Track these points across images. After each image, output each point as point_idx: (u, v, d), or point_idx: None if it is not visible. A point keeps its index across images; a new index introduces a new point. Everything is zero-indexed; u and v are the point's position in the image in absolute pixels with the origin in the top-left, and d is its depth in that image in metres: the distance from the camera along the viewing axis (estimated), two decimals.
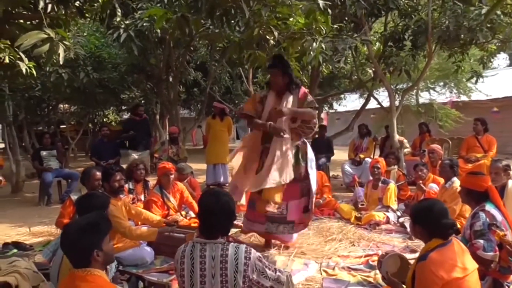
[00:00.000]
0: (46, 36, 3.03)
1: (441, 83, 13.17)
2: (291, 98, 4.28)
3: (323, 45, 4.41)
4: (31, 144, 12.45)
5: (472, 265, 2.47)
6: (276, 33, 4.37)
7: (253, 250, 2.34)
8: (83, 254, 2.09)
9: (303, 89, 4.37)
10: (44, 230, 5.65)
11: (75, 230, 2.10)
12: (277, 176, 4.10)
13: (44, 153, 7.88)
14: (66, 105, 14.79)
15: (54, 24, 3.70)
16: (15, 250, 4.56)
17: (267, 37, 4.49)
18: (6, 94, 8.21)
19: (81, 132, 14.18)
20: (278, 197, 4.23)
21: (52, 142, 8.49)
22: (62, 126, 16.98)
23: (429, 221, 2.52)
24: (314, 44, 4.26)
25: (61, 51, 3.08)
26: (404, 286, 2.70)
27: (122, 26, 6.81)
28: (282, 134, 4.14)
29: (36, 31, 3.05)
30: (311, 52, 4.33)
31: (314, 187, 4.42)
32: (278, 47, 4.95)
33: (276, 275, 2.37)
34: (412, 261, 2.84)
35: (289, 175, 4.14)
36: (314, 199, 4.53)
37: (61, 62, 3.14)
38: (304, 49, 4.39)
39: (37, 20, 3.59)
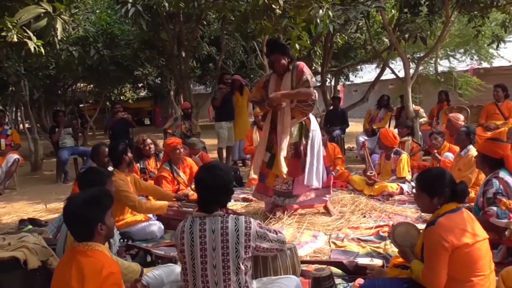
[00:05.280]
0: (43, 10, 3.01)
1: (461, 50, 12.73)
2: (289, 79, 4.34)
3: (330, 13, 4.24)
4: (50, 125, 12.62)
5: (482, 233, 2.38)
6: (281, 2, 4.25)
7: (252, 220, 2.35)
8: (87, 226, 2.10)
9: (301, 66, 4.33)
10: (60, 207, 5.74)
11: (78, 203, 2.11)
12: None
13: None
14: (83, 84, 14.90)
15: None
16: (30, 226, 4.65)
17: (273, 6, 4.37)
18: (21, 74, 8.29)
19: (97, 110, 14.30)
20: (285, 172, 4.41)
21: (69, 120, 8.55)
22: (81, 105, 17.22)
23: (446, 188, 2.41)
24: (321, 11, 4.11)
25: (59, 25, 3.06)
26: None
27: (130, 0, 6.77)
28: (280, 104, 4.28)
29: (34, 6, 3.03)
30: (318, 20, 4.19)
31: (317, 160, 4.43)
32: (285, 16, 4.81)
33: (278, 236, 2.49)
34: None
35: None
36: (321, 171, 4.48)
37: (59, 37, 3.11)
38: (310, 17, 4.24)
39: None
